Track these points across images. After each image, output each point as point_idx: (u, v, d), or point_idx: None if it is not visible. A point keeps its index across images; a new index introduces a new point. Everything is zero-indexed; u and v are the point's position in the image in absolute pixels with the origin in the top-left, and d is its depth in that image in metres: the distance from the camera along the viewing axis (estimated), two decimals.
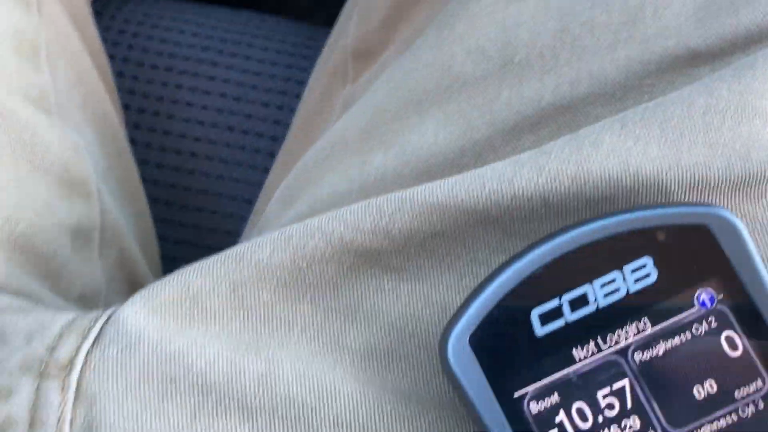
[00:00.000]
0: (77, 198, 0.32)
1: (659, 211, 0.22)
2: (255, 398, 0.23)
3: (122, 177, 0.39)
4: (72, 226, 0.31)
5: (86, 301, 0.31)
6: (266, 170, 0.45)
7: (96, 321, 0.24)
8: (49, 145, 0.31)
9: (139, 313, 0.24)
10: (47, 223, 0.30)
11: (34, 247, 0.30)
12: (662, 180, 0.23)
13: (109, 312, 0.25)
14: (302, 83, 0.49)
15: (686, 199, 0.23)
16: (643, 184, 0.23)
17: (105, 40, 0.49)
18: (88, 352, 0.23)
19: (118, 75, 0.49)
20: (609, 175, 0.23)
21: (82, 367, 0.23)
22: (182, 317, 0.24)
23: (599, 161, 0.23)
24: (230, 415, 0.23)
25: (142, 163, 0.47)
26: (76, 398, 0.23)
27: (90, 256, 0.32)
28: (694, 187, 0.23)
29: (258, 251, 0.25)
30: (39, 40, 0.33)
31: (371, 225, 0.24)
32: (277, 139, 0.48)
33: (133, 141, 0.47)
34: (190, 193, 0.47)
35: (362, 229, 0.24)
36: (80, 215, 0.32)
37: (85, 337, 0.24)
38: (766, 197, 0.23)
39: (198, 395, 0.23)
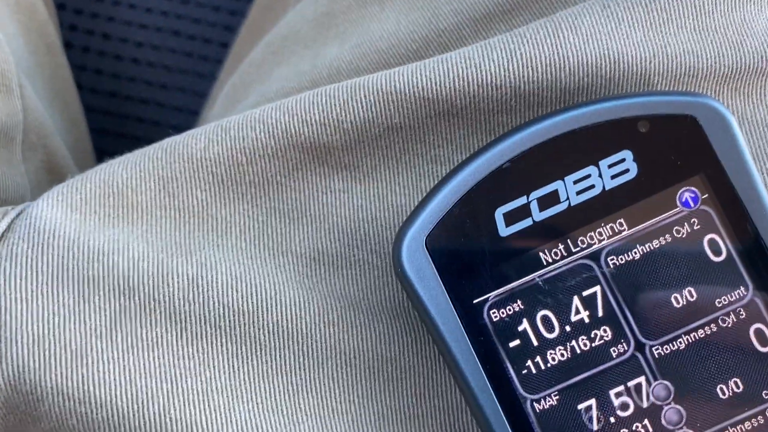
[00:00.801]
0: None
1: (642, 99, 0.19)
2: (184, 304, 0.20)
3: (52, 76, 0.35)
4: None
5: (8, 205, 0.28)
6: (215, 79, 0.41)
7: (4, 215, 0.21)
8: None
9: (55, 208, 0.21)
10: None
11: None
12: (646, 68, 0.20)
13: (21, 207, 0.22)
14: None
15: (675, 87, 0.21)
16: (624, 73, 0.20)
17: None
18: None
19: None
20: (587, 61, 0.20)
21: None
22: (105, 214, 0.21)
23: (577, 46, 0.20)
24: (156, 320, 0.20)
25: (79, 68, 0.43)
26: None
27: (11, 157, 0.29)
28: (680, 77, 0.21)
29: (191, 144, 0.22)
30: None
31: (320, 116, 0.21)
32: (228, 46, 0.44)
33: (69, 44, 0.43)
34: (130, 102, 0.43)
35: (310, 120, 0.21)
36: None
37: None
38: (757, 93, 0.21)
39: (120, 298, 0.20)
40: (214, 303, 0.20)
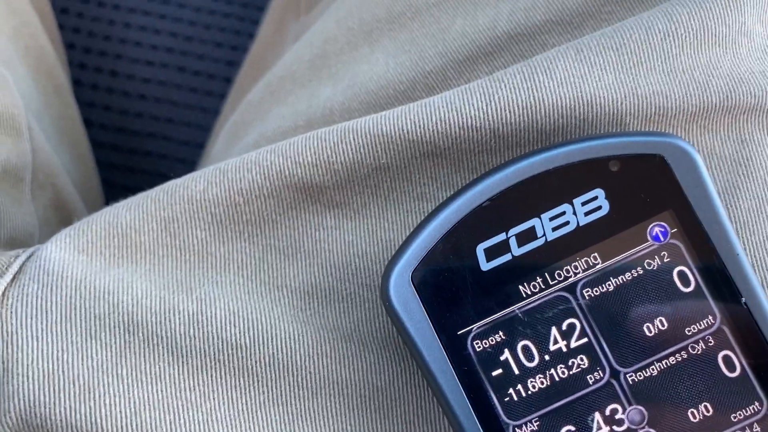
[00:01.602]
0: (5, 135, 0.30)
1: (612, 140, 0.20)
2: (185, 339, 0.22)
3: (60, 116, 0.37)
4: (0, 165, 0.29)
5: (17, 244, 0.30)
6: (218, 113, 0.43)
7: (16, 258, 0.23)
8: None
9: (64, 250, 0.22)
10: None
11: None
12: (618, 109, 0.22)
13: (31, 250, 0.23)
14: (257, 23, 0.47)
15: (642, 129, 0.22)
16: (597, 114, 0.22)
17: None
18: (5, 290, 0.22)
19: (62, 12, 0.46)
20: (562, 103, 0.22)
21: None
22: (110, 254, 0.23)
23: (552, 89, 0.22)
24: (159, 355, 0.22)
25: (88, 105, 0.45)
26: None
27: (20, 197, 0.30)
28: (650, 117, 0.22)
29: (191, 186, 0.23)
30: None
31: (312, 158, 0.23)
32: (231, 81, 0.46)
33: (78, 82, 0.45)
34: (138, 136, 0.45)
35: (303, 162, 0.23)
36: (9, 154, 0.30)
37: (2, 274, 0.22)
38: (724, 128, 0.22)
39: (124, 334, 0.22)
40: (213, 338, 0.22)
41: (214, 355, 0.22)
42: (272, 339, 0.22)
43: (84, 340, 0.21)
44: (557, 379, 0.20)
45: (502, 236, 0.20)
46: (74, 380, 0.21)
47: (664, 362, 0.20)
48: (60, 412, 0.21)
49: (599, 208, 0.20)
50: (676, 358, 0.20)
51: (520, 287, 0.20)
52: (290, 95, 0.29)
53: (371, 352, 0.22)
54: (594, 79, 0.22)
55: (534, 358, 0.20)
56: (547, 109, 0.22)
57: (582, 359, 0.20)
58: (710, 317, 0.20)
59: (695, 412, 0.20)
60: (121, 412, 0.21)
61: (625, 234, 0.20)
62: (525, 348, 0.20)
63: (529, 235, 0.20)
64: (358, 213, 0.23)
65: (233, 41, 0.47)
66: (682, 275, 0.20)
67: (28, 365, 0.21)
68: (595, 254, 0.20)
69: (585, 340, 0.20)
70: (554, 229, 0.20)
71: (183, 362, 0.22)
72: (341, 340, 0.22)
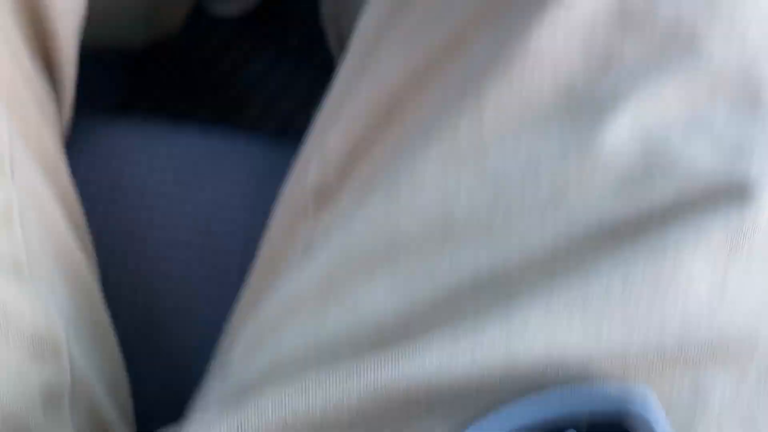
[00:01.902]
0: (48, 361, 0.33)
1: (576, 399, 0.23)
2: None
3: (90, 319, 0.40)
4: (43, 389, 0.32)
5: None
6: (235, 290, 0.46)
7: None
8: (22, 315, 0.32)
9: None
10: (18, 391, 0.31)
11: (5, 419, 0.31)
12: (585, 360, 0.25)
13: None
14: (273, 201, 0.51)
15: (607, 378, 0.25)
16: (566, 366, 0.25)
17: (75, 171, 0.51)
18: None
19: (90, 210, 0.50)
20: (535, 359, 0.25)
21: None
22: None
23: (526, 346, 0.25)
24: None
25: (114, 297, 0.49)
26: None
27: (61, 417, 0.33)
28: (614, 366, 0.25)
29: None
30: (13, 208, 0.35)
31: (321, 412, 0.26)
32: (246, 260, 0.49)
33: (105, 278, 0.49)
34: (165, 331, 0.48)
35: (312, 407, 0.26)
36: (50, 377, 0.33)
37: None
38: (678, 377, 0.25)
39: None
40: None
41: None
42: None
43: None
44: None
45: None
46: None
47: None
48: None
49: None
50: None
51: None
52: (299, 317, 0.33)
53: None
54: (563, 333, 0.25)
55: None
56: (521, 366, 0.25)
57: None
58: None
59: None
60: None
61: None
62: None
63: None
64: None
65: (249, 221, 0.51)
66: None
67: None
68: None
69: None
70: None
71: None
72: None
